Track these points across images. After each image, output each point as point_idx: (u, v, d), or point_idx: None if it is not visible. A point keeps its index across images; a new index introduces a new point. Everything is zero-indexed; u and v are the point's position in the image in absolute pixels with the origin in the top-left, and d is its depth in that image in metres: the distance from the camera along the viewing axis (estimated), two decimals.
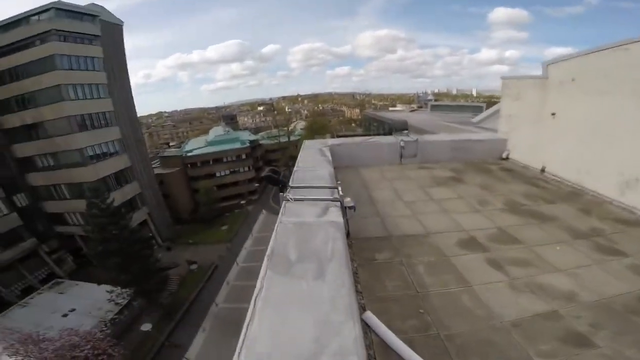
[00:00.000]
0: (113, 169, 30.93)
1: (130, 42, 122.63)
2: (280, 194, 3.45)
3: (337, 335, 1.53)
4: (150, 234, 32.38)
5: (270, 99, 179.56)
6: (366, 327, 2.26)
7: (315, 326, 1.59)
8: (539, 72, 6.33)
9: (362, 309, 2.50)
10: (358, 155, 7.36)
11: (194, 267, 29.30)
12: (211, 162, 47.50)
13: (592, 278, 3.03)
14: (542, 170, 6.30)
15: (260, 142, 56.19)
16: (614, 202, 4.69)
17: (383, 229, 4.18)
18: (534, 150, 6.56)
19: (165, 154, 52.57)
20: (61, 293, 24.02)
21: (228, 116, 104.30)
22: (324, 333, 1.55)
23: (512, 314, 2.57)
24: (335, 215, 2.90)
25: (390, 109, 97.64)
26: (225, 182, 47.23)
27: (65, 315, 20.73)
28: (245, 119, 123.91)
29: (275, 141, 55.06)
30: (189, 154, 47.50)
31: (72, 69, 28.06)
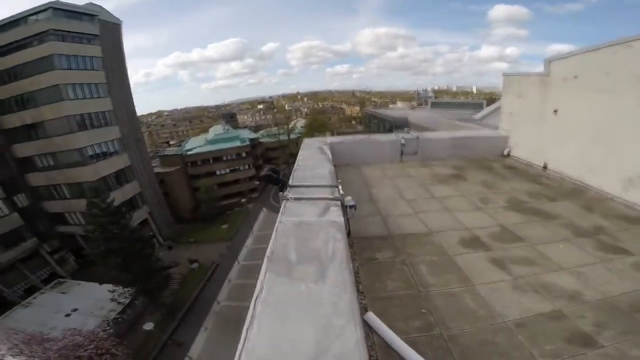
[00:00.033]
0: (113, 168, 30.93)
1: (131, 41, 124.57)
2: (280, 193, 3.42)
3: (339, 338, 1.50)
4: (151, 233, 32.43)
5: (270, 97, 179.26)
6: (368, 328, 2.23)
7: (316, 329, 1.57)
8: (539, 69, 6.27)
9: (364, 309, 2.48)
10: (358, 153, 7.31)
11: (195, 265, 29.37)
12: (211, 161, 47.47)
13: (596, 277, 3.00)
14: (545, 167, 6.26)
15: (260, 140, 56.14)
16: (617, 199, 4.65)
17: (384, 228, 4.14)
18: (536, 147, 6.51)
19: (166, 152, 52.63)
20: (64, 293, 24.11)
21: (228, 114, 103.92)
22: (325, 336, 1.52)
23: (515, 314, 2.55)
24: (335, 214, 2.86)
25: (391, 106, 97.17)
26: (225, 181, 47.22)
27: (68, 315, 20.83)
28: (245, 117, 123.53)
29: (275, 139, 54.96)
30: (189, 153, 47.46)
31: (70, 69, 28.01)
